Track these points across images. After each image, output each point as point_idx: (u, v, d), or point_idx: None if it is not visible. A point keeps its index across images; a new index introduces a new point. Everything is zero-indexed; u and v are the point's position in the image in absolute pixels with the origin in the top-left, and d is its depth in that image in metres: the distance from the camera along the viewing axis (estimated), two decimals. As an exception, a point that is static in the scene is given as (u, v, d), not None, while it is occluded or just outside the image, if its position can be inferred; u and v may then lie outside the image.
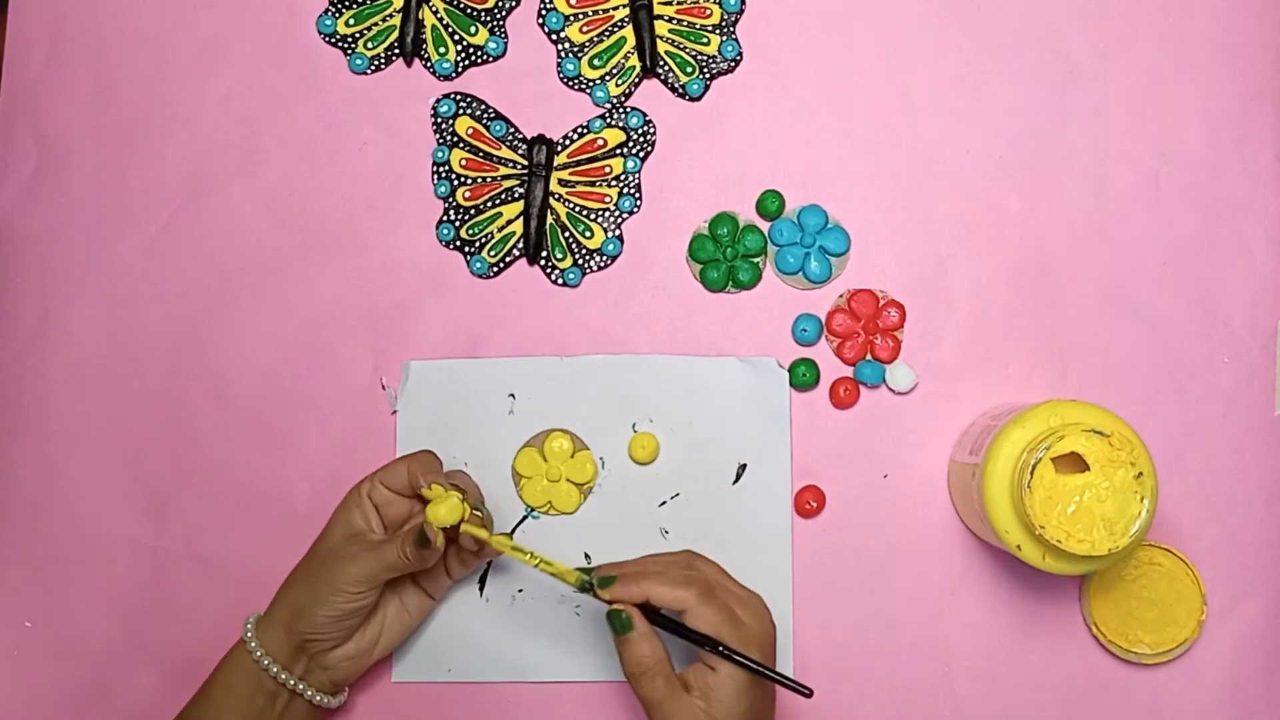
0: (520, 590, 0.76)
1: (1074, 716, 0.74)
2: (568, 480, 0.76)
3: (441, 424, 0.76)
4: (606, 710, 0.75)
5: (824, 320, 0.76)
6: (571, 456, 0.76)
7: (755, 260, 0.77)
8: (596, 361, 0.77)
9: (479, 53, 0.79)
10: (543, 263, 0.77)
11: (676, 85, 0.78)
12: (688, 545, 0.75)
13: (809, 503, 0.75)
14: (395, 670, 0.75)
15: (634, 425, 0.76)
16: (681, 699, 0.65)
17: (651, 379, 0.76)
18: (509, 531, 0.76)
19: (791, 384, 0.76)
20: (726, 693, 0.64)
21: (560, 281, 0.77)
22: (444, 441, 0.76)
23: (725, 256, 0.77)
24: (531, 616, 0.75)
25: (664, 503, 0.76)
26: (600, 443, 0.76)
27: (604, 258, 0.77)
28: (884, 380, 0.76)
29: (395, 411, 0.77)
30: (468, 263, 0.78)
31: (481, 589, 0.76)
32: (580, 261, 0.77)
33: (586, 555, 0.75)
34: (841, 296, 0.76)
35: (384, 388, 0.77)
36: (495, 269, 0.77)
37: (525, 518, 0.76)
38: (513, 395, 0.77)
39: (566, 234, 0.77)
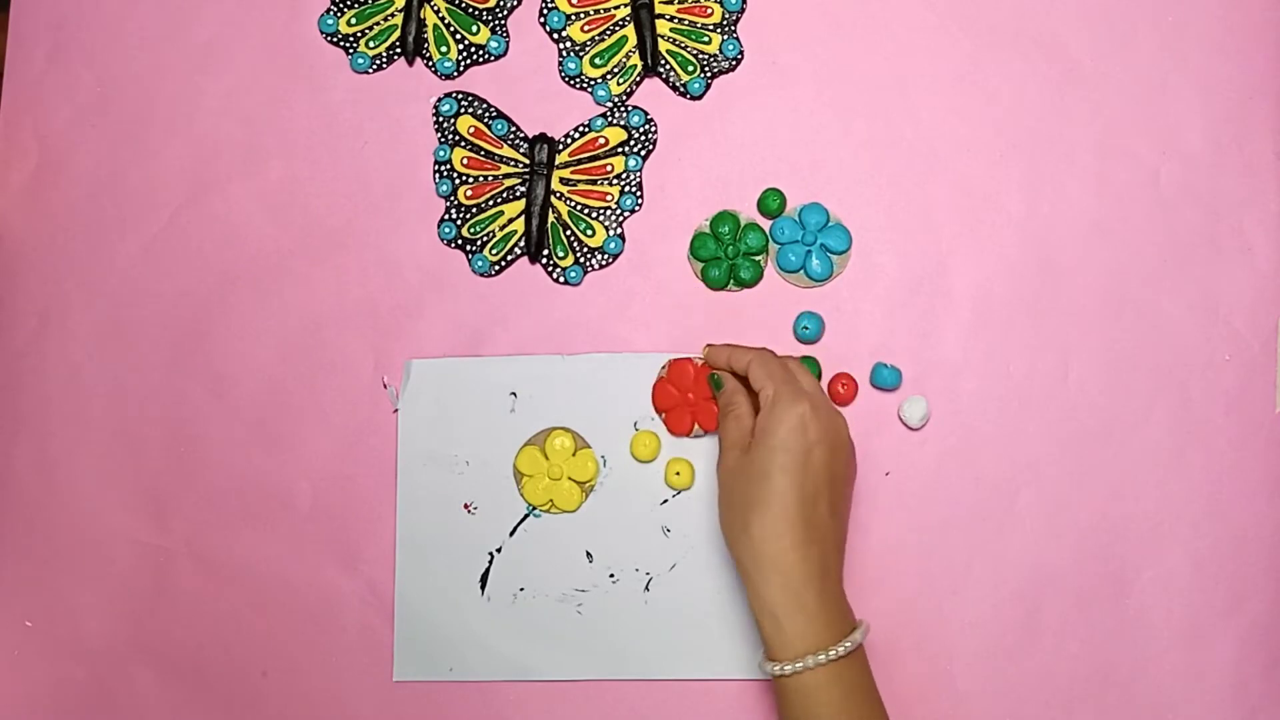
0: (522, 589, 0.75)
1: (1076, 715, 0.74)
2: (569, 478, 0.76)
3: (443, 422, 0.76)
4: (607, 710, 0.75)
5: (654, 387, 0.76)
6: (573, 455, 0.76)
7: (757, 258, 0.77)
8: (598, 360, 0.77)
9: (480, 52, 0.79)
10: (544, 261, 0.77)
11: (678, 84, 0.78)
12: (690, 544, 0.75)
13: (811, 501, 0.75)
14: (396, 669, 0.75)
15: (635, 424, 0.76)
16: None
17: (653, 377, 0.76)
18: (510, 531, 0.76)
19: (793, 382, 0.76)
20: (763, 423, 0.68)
21: (562, 280, 0.77)
22: (445, 440, 0.76)
23: (727, 255, 0.77)
24: (533, 615, 0.75)
25: (665, 501, 0.76)
26: (602, 441, 0.76)
27: (605, 256, 0.77)
28: (898, 414, 0.75)
29: (396, 410, 0.77)
30: (469, 261, 0.78)
31: (483, 588, 0.75)
32: (582, 260, 0.77)
33: (589, 554, 0.75)
34: (663, 368, 0.76)
35: (385, 386, 0.77)
36: (497, 267, 0.78)
37: (527, 516, 0.76)
38: (514, 394, 0.77)
39: (568, 232, 0.77)
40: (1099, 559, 0.75)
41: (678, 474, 0.75)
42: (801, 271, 0.77)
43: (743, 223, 0.77)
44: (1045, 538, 0.75)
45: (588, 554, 0.76)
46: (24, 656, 0.76)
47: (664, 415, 0.76)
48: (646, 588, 0.75)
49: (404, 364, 0.77)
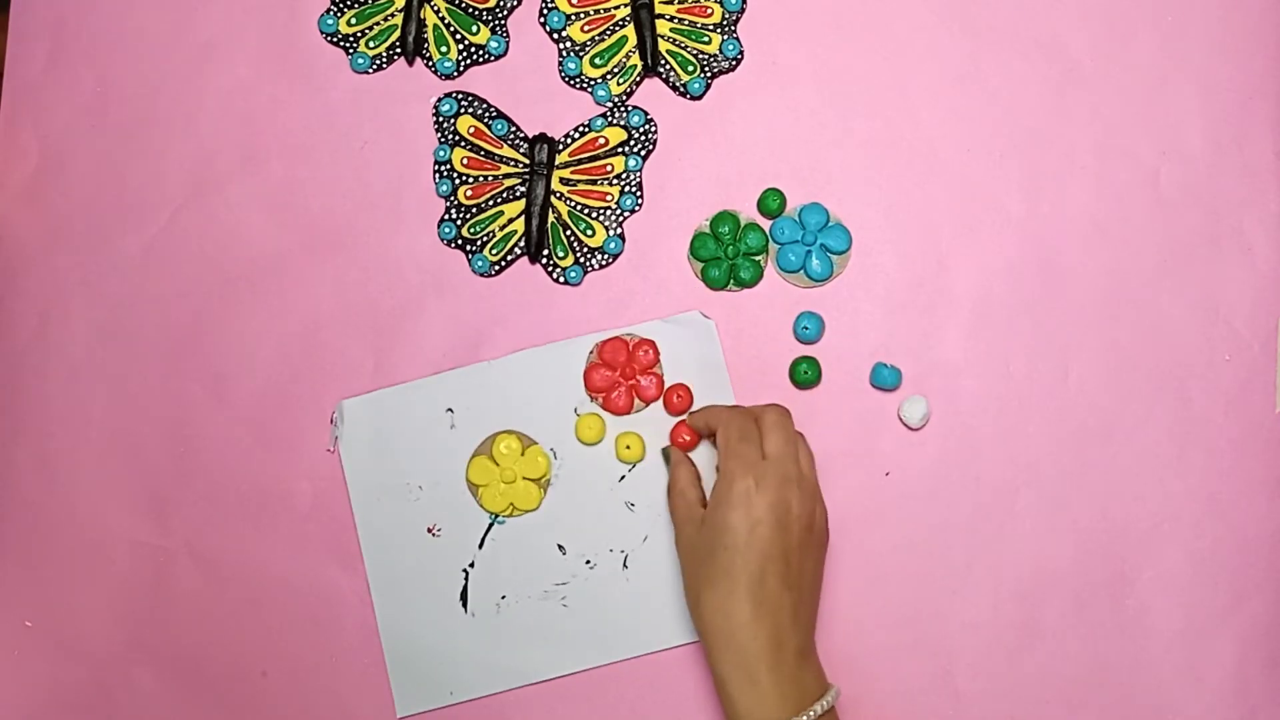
0: (503, 597, 0.75)
1: (1076, 715, 0.74)
2: (524, 478, 0.76)
3: (388, 454, 0.76)
4: (610, 695, 0.75)
5: (586, 373, 0.76)
6: (522, 454, 0.76)
7: (757, 258, 0.77)
8: (525, 357, 0.76)
9: (480, 52, 0.79)
10: (544, 261, 0.77)
11: (678, 84, 0.78)
12: (656, 513, 0.76)
13: (811, 501, 0.75)
14: (399, 705, 0.75)
15: (576, 409, 0.76)
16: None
17: (583, 362, 0.76)
18: (479, 544, 0.76)
19: (794, 382, 0.76)
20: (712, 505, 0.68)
21: (562, 280, 0.77)
22: (394, 470, 0.76)
23: (727, 255, 0.77)
24: (521, 620, 0.75)
25: (623, 477, 0.76)
26: (547, 435, 0.76)
27: (605, 256, 0.77)
28: (898, 414, 0.75)
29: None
30: (469, 261, 0.78)
31: (465, 605, 0.75)
32: (582, 260, 0.77)
33: (560, 547, 0.75)
34: (592, 351, 0.76)
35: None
36: (497, 267, 0.77)
37: (491, 525, 0.76)
38: (450, 409, 0.76)
39: (568, 232, 0.77)
40: (1099, 559, 0.75)
41: (628, 448, 0.75)
42: (801, 271, 0.77)
43: (743, 223, 0.77)
44: (1045, 538, 0.75)
45: (559, 547, 0.76)
46: (24, 656, 0.76)
47: (601, 398, 0.76)
48: (625, 565, 0.75)
49: (337, 405, 0.77)
